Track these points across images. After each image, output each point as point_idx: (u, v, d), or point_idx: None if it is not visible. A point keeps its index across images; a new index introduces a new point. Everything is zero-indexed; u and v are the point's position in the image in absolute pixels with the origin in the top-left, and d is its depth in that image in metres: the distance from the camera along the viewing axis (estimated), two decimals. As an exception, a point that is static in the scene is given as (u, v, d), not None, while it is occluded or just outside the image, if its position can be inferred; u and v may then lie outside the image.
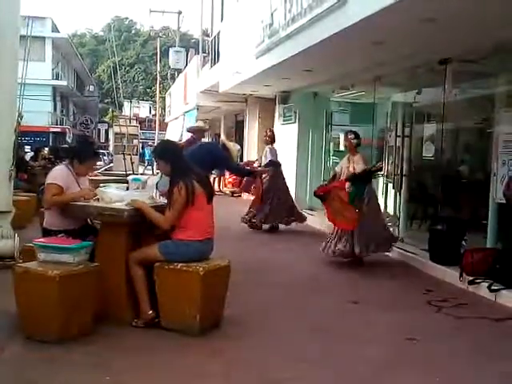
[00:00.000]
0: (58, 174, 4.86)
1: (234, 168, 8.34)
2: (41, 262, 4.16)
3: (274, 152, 10.12)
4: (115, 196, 4.62)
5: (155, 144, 5.87)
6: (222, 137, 17.82)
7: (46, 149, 14.39)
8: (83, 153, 5.02)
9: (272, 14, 9.53)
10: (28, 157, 13.54)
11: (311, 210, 11.97)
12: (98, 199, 4.67)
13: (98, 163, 25.54)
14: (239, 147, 8.24)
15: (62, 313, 4.00)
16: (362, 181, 7.11)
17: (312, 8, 7.45)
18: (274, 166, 10.01)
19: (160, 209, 4.47)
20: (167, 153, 4.67)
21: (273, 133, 10.45)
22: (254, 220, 9.77)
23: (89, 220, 4.97)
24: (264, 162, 10.11)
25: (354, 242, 6.94)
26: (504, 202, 6.42)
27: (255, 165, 11.41)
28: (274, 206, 9.73)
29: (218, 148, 7.25)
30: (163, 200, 4.58)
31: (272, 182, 9.83)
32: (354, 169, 7.13)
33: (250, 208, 10.06)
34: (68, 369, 3.67)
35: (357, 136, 7.34)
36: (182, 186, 4.34)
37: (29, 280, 4.06)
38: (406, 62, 7.96)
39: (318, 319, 4.98)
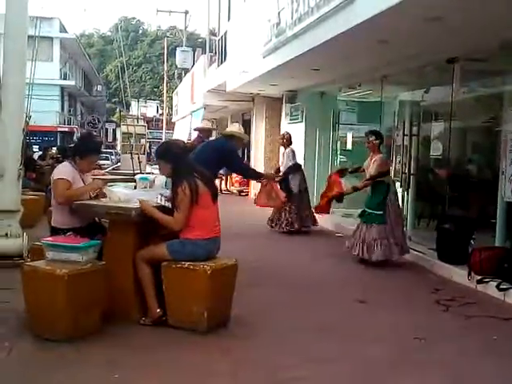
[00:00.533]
0: (64, 169, 4.88)
1: (242, 168, 7.99)
2: (49, 261, 4.17)
3: (295, 154, 10.06)
4: (123, 195, 4.64)
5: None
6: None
7: (54, 148, 14.45)
8: (84, 148, 5.03)
9: (279, 14, 9.52)
10: (36, 156, 13.62)
11: (318, 209, 11.94)
12: (105, 194, 4.71)
13: (106, 162, 25.74)
14: (238, 125, 7.58)
15: (70, 311, 4.02)
16: (378, 183, 7.09)
17: (319, 7, 7.44)
18: (299, 168, 9.98)
19: (161, 209, 4.47)
20: (168, 154, 4.64)
21: (290, 135, 10.35)
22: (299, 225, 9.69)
23: (96, 218, 4.99)
24: (286, 164, 9.89)
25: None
26: (512, 200, 6.39)
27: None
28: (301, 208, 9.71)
29: (224, 146, 7.19)
30: (168, 204, 4.55)
31: (300, 184, 9.79)
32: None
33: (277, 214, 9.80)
34: (76, 367, 3.69)
35: (378, 136, 7.25)
36: (185, 186, 4.35)
37: (37, 279, 4.08)
38: (413, 61, 7.93)
39: (325, 318, 4.97)
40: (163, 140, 29.47)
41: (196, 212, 4.39)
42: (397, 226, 7.12)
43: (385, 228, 7.01)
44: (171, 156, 4.58)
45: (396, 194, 7.43)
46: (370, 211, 7.10)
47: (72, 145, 16.89)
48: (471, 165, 9.42)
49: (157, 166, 5.43)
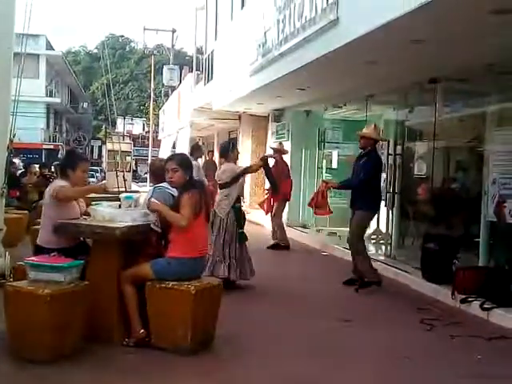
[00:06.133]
0: (62, 183, 4.81)
1: None
2: (31, 281, 4.13)
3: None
4: (107, 214, 4.61)
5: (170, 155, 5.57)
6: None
7: (37, 166, 14.13)
8: (72, 159, 5.02)
9: (265, 34, 9.62)
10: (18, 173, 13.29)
11: (304, 227, 11.99)
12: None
13: (91, 180, 25.59)
14: None
15: (52, 332, 3.97)
16: None
17: (304, 28, 7.54)
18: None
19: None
20: (187, 163, 4.68)
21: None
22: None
23: (82, 238, 4.94)
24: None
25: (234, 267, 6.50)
26: (495, 220, 6.46)
27: None
28: None
29: None
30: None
31: None
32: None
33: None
34: (58, 389, 3.64)
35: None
36: (193, 194, 4.40)
37: (19, 299, 4.03)
38: (397, 81, 8.05)
39: (310, 339, 4.95)
40: (151, 157, 29.39)
41: (190, 227, 4.37)
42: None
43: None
44: (189, 166, 4.63)
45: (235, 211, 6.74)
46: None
47: (57, 163, 16.75)
48: (455, 184, 9.51)
49: (142, 184, 5.42)
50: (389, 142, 8.98)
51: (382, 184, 8.89)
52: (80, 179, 4.93)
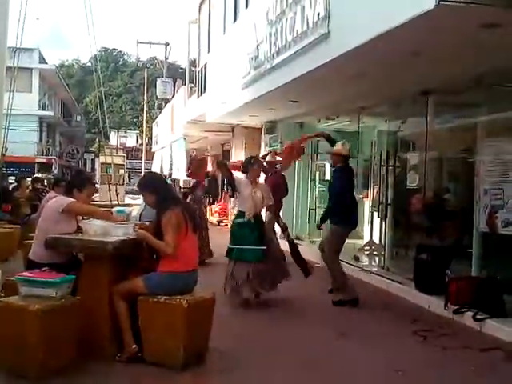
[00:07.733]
0: (68, 199, 4.79)
1: None
2: (22, 297, 4.10)
3: None
4: (100, 228, 4.59)
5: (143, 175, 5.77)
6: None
7: (29, 179, 14.02)
8: (81, 180, 5.05)
9: (257, 47, 9.67)
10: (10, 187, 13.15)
11: (298, 239, 11.97)
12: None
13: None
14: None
15: (43, 348, 3.94)
16: None
17: (296, 42, 7.59)
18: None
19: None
20: (152, 184, 4.70)
21: None
22: None
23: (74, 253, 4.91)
24: None
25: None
26: (487, 230, 6.48)
27: None
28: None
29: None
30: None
31: None
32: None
33: None
34: (49, 406, 3.61)
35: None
36: (170, 213, 4.37)
37: (10, 314, 4.00)
38: (388, 93, 8.10)
39: (304, 352, 4.93)
40: (145, 171, 29.40)
41: (177, 242, 4.37)
42: None
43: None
44: (155, 187, 4.63)
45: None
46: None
47: (51, 176, 16.68)
48: (447, 195, 9.53)
49: (136, 197, 5.45)
50: (381, 153, 9.02)
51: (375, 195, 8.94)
52: (85, 202, 4.93)
